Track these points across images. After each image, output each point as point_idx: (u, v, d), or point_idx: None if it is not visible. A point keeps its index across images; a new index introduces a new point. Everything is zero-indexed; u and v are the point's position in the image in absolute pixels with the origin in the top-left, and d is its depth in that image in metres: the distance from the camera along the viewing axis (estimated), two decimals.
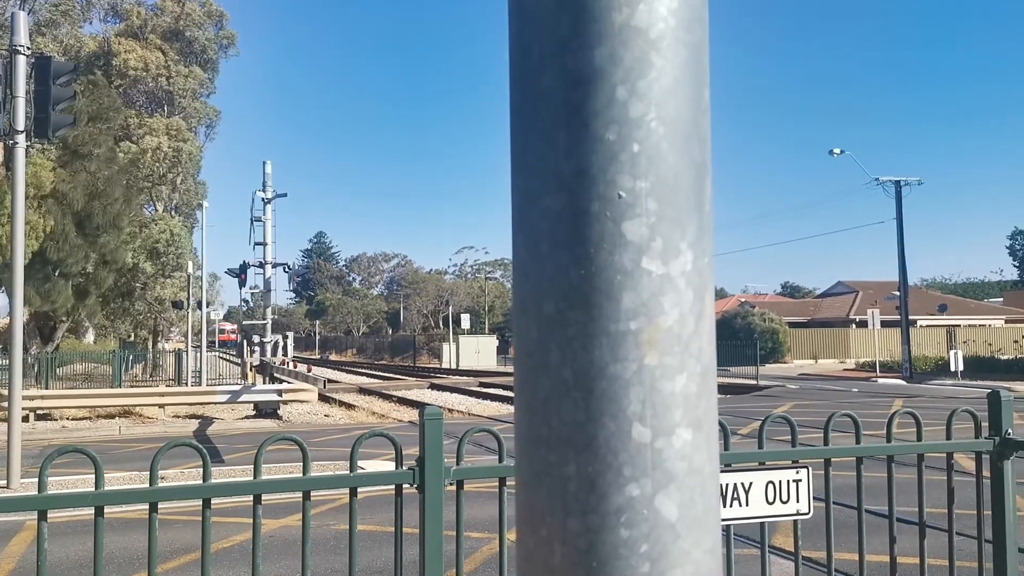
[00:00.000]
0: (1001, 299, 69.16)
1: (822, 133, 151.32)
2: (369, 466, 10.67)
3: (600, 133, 0.76)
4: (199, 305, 37.46)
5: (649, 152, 0.76)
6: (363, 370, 55.37)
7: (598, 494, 0.75)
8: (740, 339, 42.19)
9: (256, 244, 29.87)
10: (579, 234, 0.76)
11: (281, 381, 26.66)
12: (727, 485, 3.54)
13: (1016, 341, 46.49)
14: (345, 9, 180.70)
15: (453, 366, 56.33)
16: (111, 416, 23.19)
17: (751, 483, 3.60)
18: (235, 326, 29.93)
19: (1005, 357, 42.11)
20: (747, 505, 3.58)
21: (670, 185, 0.76)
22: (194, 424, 21.86)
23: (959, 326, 50.10)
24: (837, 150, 39.76)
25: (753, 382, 31.84)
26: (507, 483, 3.42)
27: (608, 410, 0.75)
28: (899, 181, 39.65)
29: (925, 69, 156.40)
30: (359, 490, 3.26)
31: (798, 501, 3.69)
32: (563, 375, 0.76)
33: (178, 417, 23.45)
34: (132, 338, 49.75)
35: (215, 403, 23.63)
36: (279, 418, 23.40)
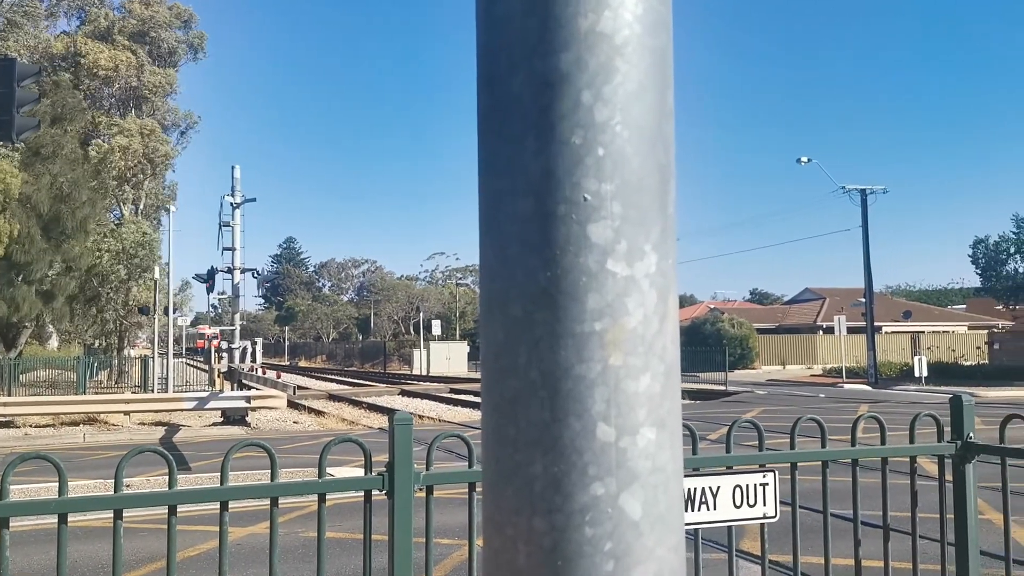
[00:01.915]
0: (964, 306, 70.33)
1: (791, 139, 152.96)
2: (338, 472, 10.60)
3: (566, 137, 0.77)
4: (166, 311, 37.02)
5: (614, 156, 0.77)
6: (333, 376, 55.04)
7: (563, 493, 0.75)
8: (709, 345, 42.49)
9: (225, 249, 29.62)
10: (546, 236, 0.77)
11: (249, 388, 26.42)
12: (695, 489, 3.57)
13: (978, 347, 47.28)
14: (316, 10, 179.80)
15: (424, 372, 56.14)
16: (75, 423, 22.84)
17: (719, 487, 3.63)
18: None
19: (968, 363, 42.84)
20: (715, 509, 3.61)
21: (634, 188, 0.78)
22: (160, 431, 21.60)
23: (923, 332, 50.86)
24: (804, 158, 40.26)
25: (722, 388, 32.09)
26: (477, 488, 3.42)
27: (574, 410, 0.76)
28: (864, 189, 40.22)
29: (893, 76, 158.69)
30: (328, 496, 3.24)
31: (765, 505, 3.72)
32: (530, 376, 0.77)
33: (144, 424, 23.16)
34: (97, 344, 49.05)
35: (182, 410, 23.36)
36: (247, 425, 23.19)
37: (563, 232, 0.77)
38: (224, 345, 28.89)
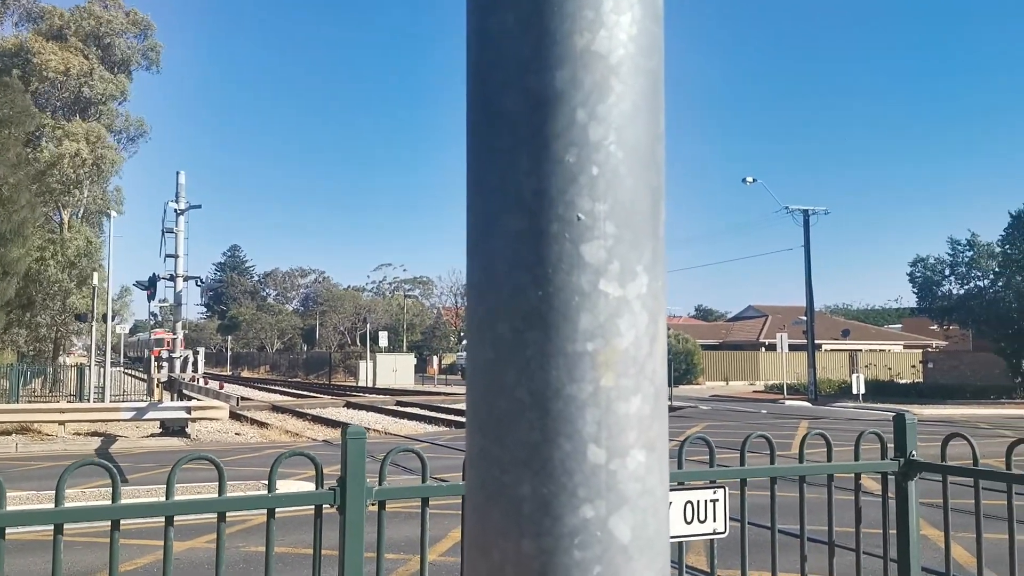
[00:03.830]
0: (900, 325, 72.26)
1: (736, 157, 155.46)
2: (283, 486, 10.43)
3: (560, 155, 0.76)
4: (104, 318, 36.09)
5: (608, 175, 0.77)
6: (276, 387, 54.18)
7: (552, 516, 0.74)
8: None
9: (167, 256, 29.00)
10: (538, 255, 0.76)
11: (190, 398, 25.88)
12: None
13: (913, 366, 48.61)
14: (266, 18, 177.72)
15: (370, 384, 55.64)
16: (7, 432, 22.10)
17: (671, 503, 3.65)
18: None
19: (903, 381, 43.98)
20: None
21: (627, 208, 0.77)
22: (96, 442, 21.03)
23: (861, 351, 52.08)
24: (750, 178, 41.06)
25: (667, 403, 32.30)
26: (429, 503, 3.40)
27: (564, 431, 0.75)
28: (807, 210, 41.13)
29: (835, 96, 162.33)
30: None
31: (715, 520, 3.75)
32: (519, 396, 0.76)
33: (79, 434, 22.52)
34: (31, 351, 47.61)
35: (119, 420, 22.76)
36: (187, 436, 22.69)
37: (556, 251, 0.76)
38: (165, 354, 28.23)
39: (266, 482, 3.17)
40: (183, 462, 2.99)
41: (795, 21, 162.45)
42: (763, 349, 60.52)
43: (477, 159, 0.81)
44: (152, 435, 22.95)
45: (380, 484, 3.26)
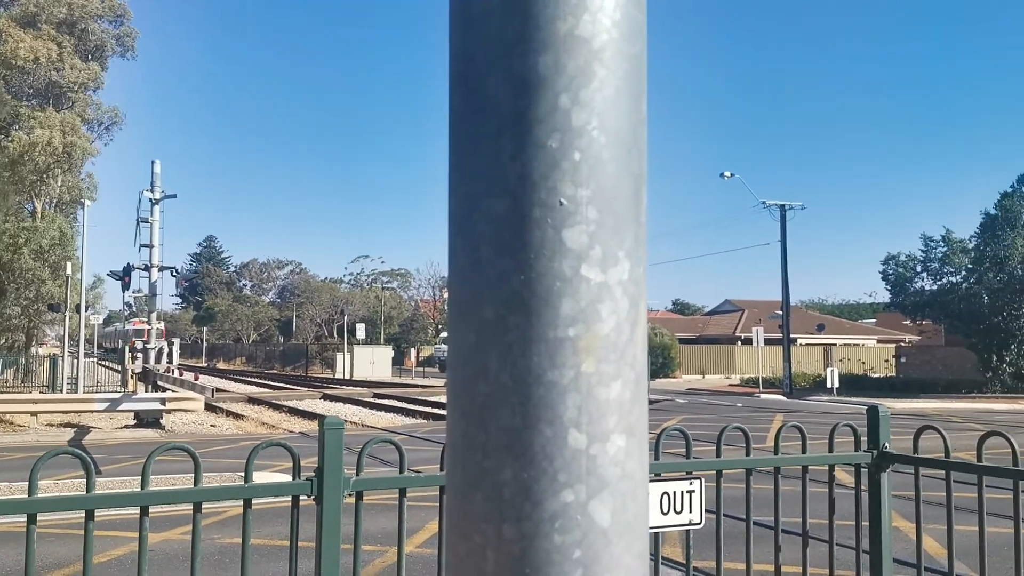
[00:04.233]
0: (874, 320, 73.03)
1: (716, 152, 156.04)
2: (260, 477, 10.35)
3: (543, 140, 0.76)
4: (78, 308, 35.69)
5: (590, 161, 0.77)
6: (252, 379, 53.88)
7: (533, 500, 0.75)
8: None
9: (142, 246, 28.68)
10: (521, 240, 0.76)
11: (165, 389, 25.67)
12: None
13: (887, 360, 49.17)
14: (248, 6, 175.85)
15: (347, 376, 55.47)
16: None
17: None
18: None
19: (876, 375, 44.50)
20: None
21: (610, 194, 0.78)
22: (69, 433, 20.82)
23: (835, 345, 52.58)
24: (728, 173, 41.28)
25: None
26: (407, 494, 3.39)
27: (545, 416, 0.75)
28: (784, 205, 41.41)
29: (819, 91, 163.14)
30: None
31: (691, 511, 3.78)
32: (501, 381, 0.76)
33: (52, 426, 22.29)
34: (4, 341, 47.02)
35: (93, 411, 22.54)
36: (161, 428, 22.52)
37: (538, 236, 0.76)
38: (139, 344, 27.95)
39: (242, 474, 3.15)
40: (158, 452, 2.96)
41: (791, 17, 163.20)
42: (739, 343, 60.93)
43: (460, 144, 0.81)
44: (126, 427, 22.75)
45: (358, 475, 3.25)
